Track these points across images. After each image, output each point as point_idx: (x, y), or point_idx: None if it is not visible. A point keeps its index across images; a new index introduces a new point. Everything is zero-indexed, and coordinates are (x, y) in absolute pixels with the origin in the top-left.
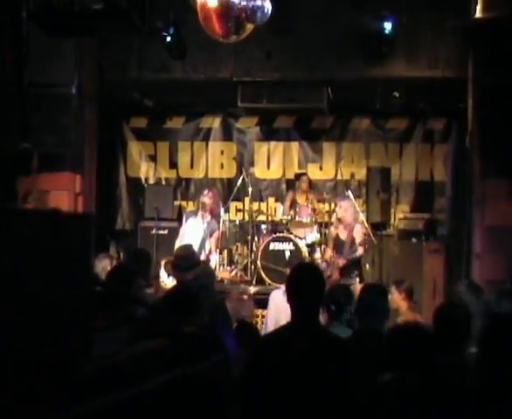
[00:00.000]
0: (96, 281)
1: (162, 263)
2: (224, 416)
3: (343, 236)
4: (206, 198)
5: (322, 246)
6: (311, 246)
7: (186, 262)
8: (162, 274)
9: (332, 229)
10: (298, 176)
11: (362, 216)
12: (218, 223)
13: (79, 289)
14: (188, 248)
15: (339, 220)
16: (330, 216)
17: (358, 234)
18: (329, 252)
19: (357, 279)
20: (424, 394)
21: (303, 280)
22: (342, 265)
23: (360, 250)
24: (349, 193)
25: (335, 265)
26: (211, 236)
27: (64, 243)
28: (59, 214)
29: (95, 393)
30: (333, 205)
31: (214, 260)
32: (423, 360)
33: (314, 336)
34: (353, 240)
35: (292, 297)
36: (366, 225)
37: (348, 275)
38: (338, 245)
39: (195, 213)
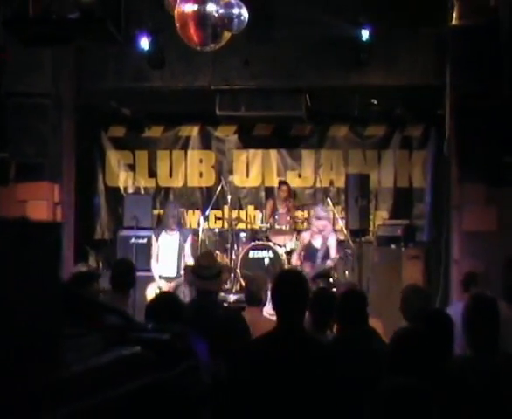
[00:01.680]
0: (67, 290)
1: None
2: None
3: (317, 244)
4: (174, 218)
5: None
6: (290, 254)
7: (211, 271)
8: (149, 290)
9: (305, 235)
10: (279, 184)
11: (341, 223)
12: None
13: (48, 297)
14: (211, 255)
15: (320, 231)
16: (309, 224)
17: (332, 244)
18: (296, 259)
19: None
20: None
21: (288, 286)
22: (314, 274)
23: (330, 263)
24: (328, 200)
25: (306, 272)
26: (184, 241)
27: (33, 252)
28: (28, 222)
29: (63, 400)
30: (311, 212)
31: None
32: (430, 366)
33: (299, 342)
34: (327, 250)
35: (277, 303)
36: (345, 232)
37: (319, 283)
38: (310, 253)
39: (163, 229)
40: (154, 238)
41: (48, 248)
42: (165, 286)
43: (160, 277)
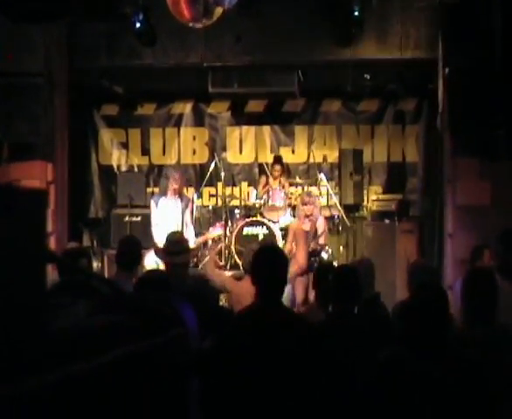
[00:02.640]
0: (51, 257)
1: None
2: (182, 392)
3: (307, 227)
4: (178, 182)
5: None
6: (285, 230)
7: (178, 247)
8: (147, 260)
9: (294, 221)
10: (273, 162)
11: (335, 199)
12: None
13: (33, 264)
14: (180, 233)
15: (307, 215)
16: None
17: (321, 226)
18: (290, 245)
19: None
20: (425, 372)
21: (266, 261)
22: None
23: (321, 240)
24: (322, 175)
25: (296, 258)
26: (186, 208)
27: (18, 218)
28: (13, 189)
29: (50, 367)
30: (305, 189)
31: (191, 231)
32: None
33: (277, 317)
34: (315, 231)
35: (255, 278)
36: (339, 207)
37: (312, 259)
38: (300, 236)
39: (163, 195)
40: (153, 205)
41: (32, 214)
42: None
43: None
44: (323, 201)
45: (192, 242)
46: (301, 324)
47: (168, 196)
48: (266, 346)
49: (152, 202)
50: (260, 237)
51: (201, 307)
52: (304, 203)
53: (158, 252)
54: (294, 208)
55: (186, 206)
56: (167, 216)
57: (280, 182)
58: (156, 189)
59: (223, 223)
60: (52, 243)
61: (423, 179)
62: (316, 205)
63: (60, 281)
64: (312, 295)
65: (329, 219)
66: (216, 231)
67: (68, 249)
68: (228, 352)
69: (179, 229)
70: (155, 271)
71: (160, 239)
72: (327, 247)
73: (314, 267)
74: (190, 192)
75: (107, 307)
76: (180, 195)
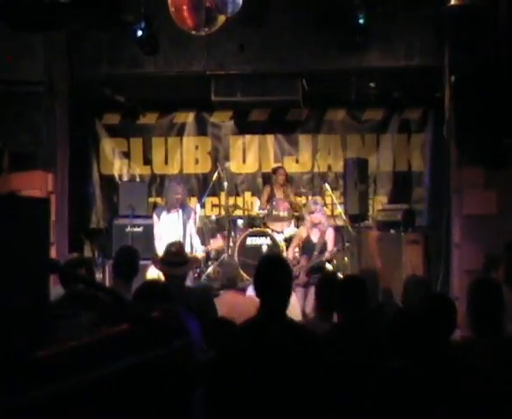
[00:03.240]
0: (55, 266)
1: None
2: (188, 403)
3: (315, 238)
4: (179, 195)
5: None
6: (289, 240)
7: (177, 258)
8: (150, 272)
9: (302, 229)
10: (275, 170)
11: (340, 209)
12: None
13: (36, 273)
14: (179, 244)
15: (315, 224)
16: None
17: (330, 238)
18: (292, 252)
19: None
20: (429, 384)
21: (270, 272)
22: (309, 267)
23: (327, 255)
24: (326, 185)
25: (300, 266)
26: (188, 219)
27: (21, 227)
28: (16, 198)
29: (53, 378)
30: (310, 198)
31: (197, 242)
32: (428, 348)
33: (281, 329)
34: (325, 244)
35: (259, 289)
36: (344, 217)
37: (315, 275)
38: (307, 247)
39: (165, 208)
40: (155, 218)
41: (35, 223)
42: None
43: None
44: (327, 211)
45: (200, 250)
46: (306, 336)
47: (170, 209)
48: (269, 360)
49: (154, 216)
50: (264, 248)
51: (205, 319)
52: (311, 212)
53: (157, 263)
54: (298, 218)
55: (189, 217)
56: (170, 229)
57: (284, 192)
58: (159, 199)
59: (224, 233)
60: (53, 254)
61: (429, 189)
62: (324, 214)
63: (64, 293)
64: (308, 308)
65: (334, 230)
66: (217, 243)
67: (68, 259)
68: (228, 364)
69: (181, 240)
70: (156, 282)
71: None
72: (330, 263)
73: (315, 282)
74: (193, 202)
75: (110, 318)
76: (182, 206)
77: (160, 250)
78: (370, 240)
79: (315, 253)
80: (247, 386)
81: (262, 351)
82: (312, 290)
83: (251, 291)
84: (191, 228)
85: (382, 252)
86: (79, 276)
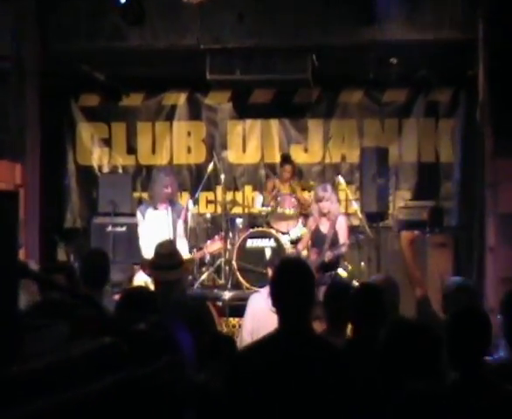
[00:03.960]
0: (25, 269)
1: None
2: None
3: (325, 229)
4: (168, 188)
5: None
6: (295, 242)
7: (170, 260)
8: (137, 279)
9: (311, 220)
10: (282, 162)
11: (355, 206)
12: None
13: (4, 279)
14: (171, 244)
15: (324, 214)
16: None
17: (342, 228)
18: (302, 247)
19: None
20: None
21: (290, 278)
22: (319, 263)
23: (343, 248)
24: (340, 179)
25: (312, 262)
26: (178, 217)
27: None
28: None
29: (24, 399)
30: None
31: (184, 245)
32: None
33: (306, 345)
34: (335, 234)
35: (278, 299)
36: (360, 216)
37: (327, 273)
38: (317, 239)
39: (151, 205)
40: (139, 216)
41: (1, 221)
42: None
43: None
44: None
45: (187, 257)
46: (337, 356)
47: (157, 205)
48: (291, 384)
49: (138, 214)
50: (267, 251)
51: (199, 332)
52: (319, 200)
53: (145, 268)
54: (307, 216)
55: (178, 215)
56: (157, 229)
57: (290, 186)
58: (145, 195)
59: (223, 234)
60: (22, 257)
61: (459, 183)
62: (333, 201)
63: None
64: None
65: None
66: (215, 245)
67: (45, 265)
68: (242, 390)
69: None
70: (140, 289)
71: (149, 255)
72: (345, 263)
73: (327, 281)
74: (185, 198)
75: (89, 331)
76: (171, 202)
77: (146, 253)
78: (402, 242)
79: (326, 246)
80: (265, 415)
81: (283, 374)
82: (322, 290)
83: (255, 302)
84: (180, 228)
85: (404, 256)
86: (56, 283)
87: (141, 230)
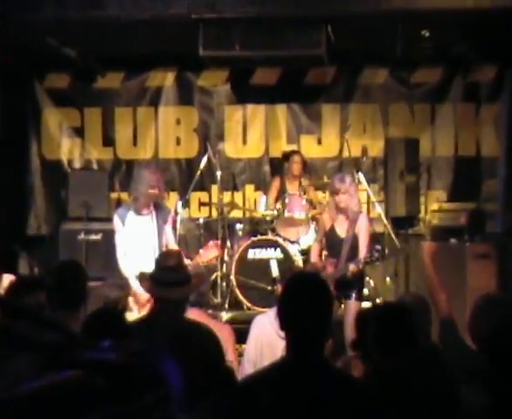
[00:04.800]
0: None
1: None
2: None
3: (342, 230)
4: (154, 188)
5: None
6: (307, 253)
7: (177, 274)
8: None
9: (325, 217)
10: (287, 154)
11: (379, 209)
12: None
13: None
14: (178, 255)
15: (341, 209)
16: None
17: (363, 230)
18: (316, 253)
19: (353, 297)
20: None
21: (303, 296)
22: (338, 279)
23: (363, 252)
24: (360, 175)
25: (327, 273)
26: (165, 223)
27: None
28: None
29: None
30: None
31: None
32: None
33: (319, 379)
34: (356, 239)
35: (287, 322)
36: (385, 221)
37: (347, 290)
38: (332, 244)
39: (132, 208)
40: (117, 222)
41: None
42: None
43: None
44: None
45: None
46: (359, 391)
47: (140, 209)
48: None
49: (116, 219)
50: (272, 264)
51: (197, 364)
52: (335, 192)
53: (144, 283)
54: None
55: (165, 221)
56: (140, 238)
57: (300, 185)
58: (124, 195)
59: (219, 243)
60: None
61: (505, 181)
62: (352, 195)
63: None
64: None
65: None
66: (210, 253)
67: (18, 280)
68: None
69: (153, 255)
70: (111, 310)
71: (129, 272)
72: (367, 277)
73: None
74: (173, 199)
75: (59, 362)
76: (156, 205)
77: (124, 267)
78: (423, 255)
79: (344, 254)
80: None
81: (291, 413)
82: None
83: (260, 325)
84: (169, 236)
85: (438, 270)
86: (17, 304)
87: (119, 240)
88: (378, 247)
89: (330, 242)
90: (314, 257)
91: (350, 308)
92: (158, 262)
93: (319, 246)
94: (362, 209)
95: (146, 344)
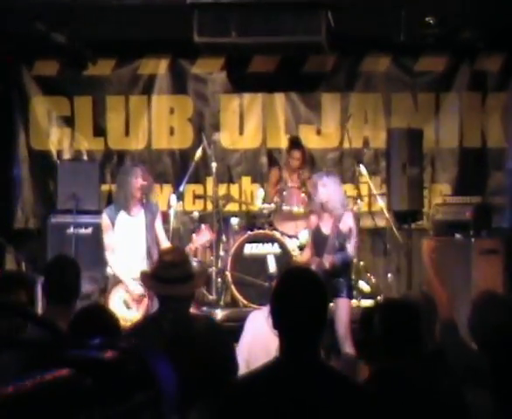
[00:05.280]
0: None
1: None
2: None
3: (326, 229)
4: (143, 183)
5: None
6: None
7: (183, 270)
8: (116, 295)
9: (312, 218)
10: (290, 148)
11: (380, 202)
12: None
13: None
14: (182, 252)
15: (322, 205)
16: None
17: (348, 226)
18: (307, 252)
19: (344, 293)
20: None
21: (296, 292)
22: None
23: (349, 251)
24: (361, 168)
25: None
26: (154, 220)
27: None
28: None
29: None
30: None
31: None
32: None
33: (313, 378)
34: (341, 236)
35: (280, 319)
36: (387, 215)
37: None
38: (317, 242)
39: (122, 206)
40: (106, 221)
41: None
42: (138, 290)
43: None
44: (361, 204)
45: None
46: (355, 392)
47: (129, 207)
48: None
49: (105, 219)
50: (270, 259)
51: (202, 361)
52: (314, 186)
53: (146, 280)
54: None
55: (154, 217)
56: (129, 237)
57: (299, 177)
58: (115, 187)
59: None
60: None
61: None
62: (331, 190)
63: None
64: None
65: (372, 234)
66: (203, 237)
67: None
68: None
69: (145, 254)
70: (98, 307)
71: (120, 271)
72: (368, 274)
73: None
74: (167, 192)
75: (46, 360)
76: (144, 202)
77: (117, 268)
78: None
79: (328, 250)
80: None
81: (283, 415)
82: None
83: (255, 322)
84: (159, 231)
85: (442, 266)
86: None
87: (108, 240)
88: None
89: (316, 240)
90: (305, 257)
91: (340, 305)
92: (162, 258)
93: (308, 247)
94: (348, 208)
95: (137, 342)
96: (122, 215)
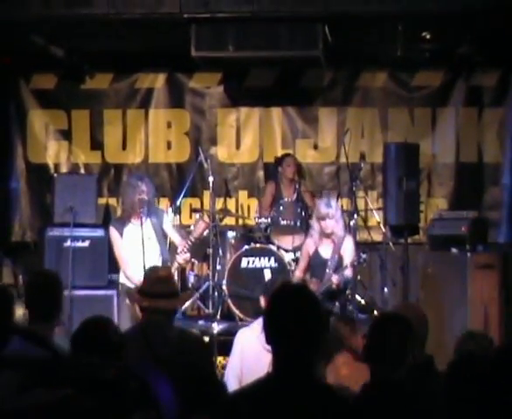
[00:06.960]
0: None
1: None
2: None
3: (326, 253)
4: (143, 194)
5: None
6: None
7: (169, 286)
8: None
9: (308, 243)
10: (281, 159)
11: (377, 217)
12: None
13: None
14: (167, 269)
15: (327, 235)
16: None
17: (348, 251)
18: (299, 274)
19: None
20: None
21: (289, 307)
22: (325, 289)
23: (348, 271)
24: (358, 182)
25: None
26: (161, 224)
27: None
28: None
29: None
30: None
31: (184, 258)
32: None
33: (306, 396)
34: (341, 259)
35: (272, 335)
36: (383, 229)
37: (332, 301)
38: (316, 265)
39: (126, 219)
40: (115, 235)
41: None
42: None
43: None
44: (358, 219)
45: (181, 259)
46: (342, 410)
47: (130, 218)
48: None
49: (113, 230)
50: (266, 273)
51: (187, 377)
52: (321, 218)
53: (132, 296)
54: None
55: (161, 221)
56: (141, 246)
57: (295, 191)
58: (112, 201)
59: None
60: None
61: (509, 189)
62: (338, 219)
63: None
64: None
65: (368, 248)
66: (199, 228)
67: None
68: None
69: (159, 257)
70: (101, 321)
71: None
72: (364, 288)
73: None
74: (163, 205)
75: (44, 379)
76: (149, 211)
77: (135, 277)
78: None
79: (328, 272)
80: None
81: None
82: None
83: (244, 338)
84: (170, 232)
85: (438, 280)
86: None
87: (120, 253)
88: (363, 255)
89: (314, 263)
90: (299, 272)
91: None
92: (149, 275)
93: (302, 269)
94: (347, 232)
95: (136, 360)
96: (129, 226)
